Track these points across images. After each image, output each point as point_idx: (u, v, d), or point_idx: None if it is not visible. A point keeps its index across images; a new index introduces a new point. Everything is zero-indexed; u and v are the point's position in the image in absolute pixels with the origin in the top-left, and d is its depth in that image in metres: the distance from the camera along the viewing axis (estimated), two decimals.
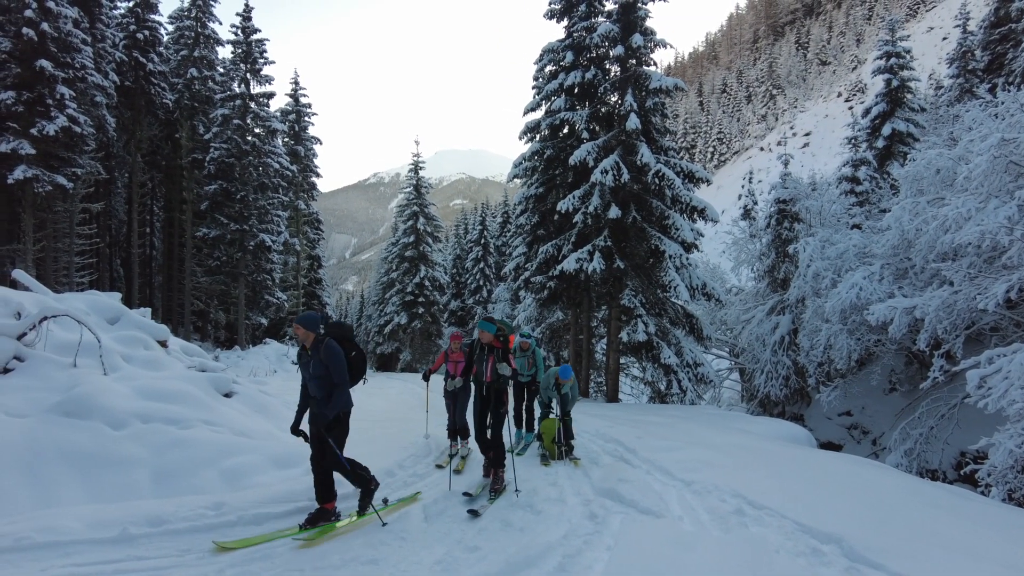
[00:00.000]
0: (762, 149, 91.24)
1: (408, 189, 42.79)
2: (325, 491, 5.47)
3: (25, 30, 21.88)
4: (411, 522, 5.53)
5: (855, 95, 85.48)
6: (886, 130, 22.07)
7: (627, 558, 4.59)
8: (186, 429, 7.02)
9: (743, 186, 58.28)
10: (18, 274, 9.14)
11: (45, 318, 7.62)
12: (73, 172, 23.48)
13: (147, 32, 30.14)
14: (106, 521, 4.66)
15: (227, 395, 8.79)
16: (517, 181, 21.55)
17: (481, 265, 46.82)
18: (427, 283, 41.28)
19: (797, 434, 12.80)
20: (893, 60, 22.42)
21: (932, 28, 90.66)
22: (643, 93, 17.95)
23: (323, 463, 5.41)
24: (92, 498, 5.71)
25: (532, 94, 20.42)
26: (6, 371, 6.97)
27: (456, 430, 8.33)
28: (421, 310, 41.26)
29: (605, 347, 19.31)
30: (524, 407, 9.58)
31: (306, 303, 36.39)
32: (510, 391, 8.62)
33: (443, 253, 49.00)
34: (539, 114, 20.11)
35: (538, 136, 20.02)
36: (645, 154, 16.68)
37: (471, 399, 7.83)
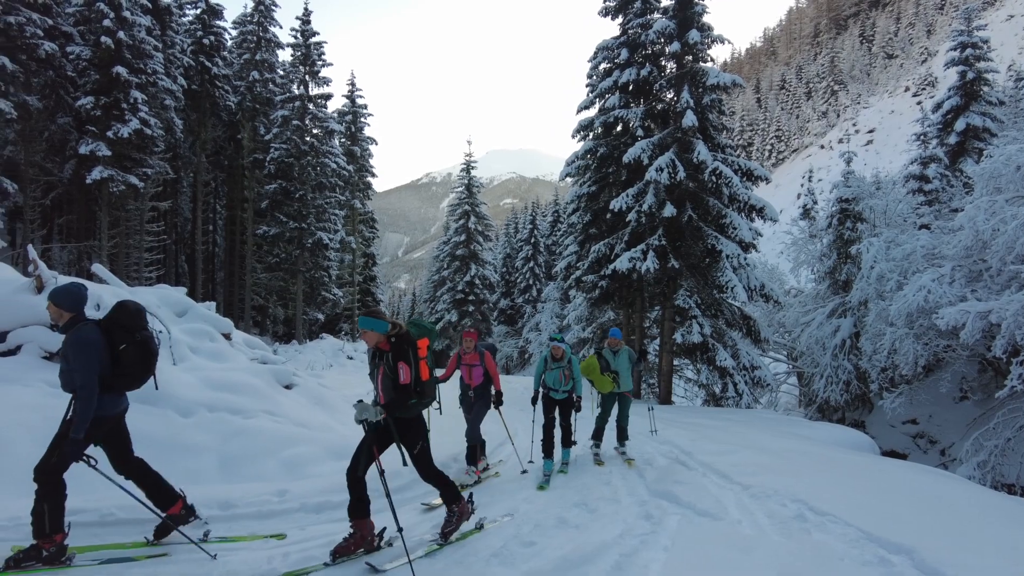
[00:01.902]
0: (822, 147, 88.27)
1: (460, 188, 43.20)
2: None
3: (103, 39, 23.08)
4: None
5: (924, 89, 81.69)
6: (959, 125, 21.02)
7: (685, 559, 4.52)
8: (249, 419, 7.28)
9: (802, 185, 56.56)
10: (97, 268, 9.64)
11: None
12: (144, 172, 24.63)
13: (212, 37, 31.35)
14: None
15: (287, 387, 9.07)
16: (569, 180, 21.51)
17: (531, 264, 46.86)
18: (477, 281, 41.60)
19: (859, 441, 12.35)
20: (969, 51, 21.32)
21: (1012, 16, 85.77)
22: (700, 90, 17.63)
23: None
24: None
25: (585, 92, 20.33)
26: None
27: (471, 446, 7.29)
28: (471, 308, 41.61)
29: (658, 348, 19.05)
30: (559, 425, 7.78)
31: (361, 300, 37.18)
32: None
33: (493, 252, 49.25)
34: (592, 112, 20.00)
35: (591, 134, 19.90)
36: (702, 151, 16.37)
37: (486, 410, 7.35)
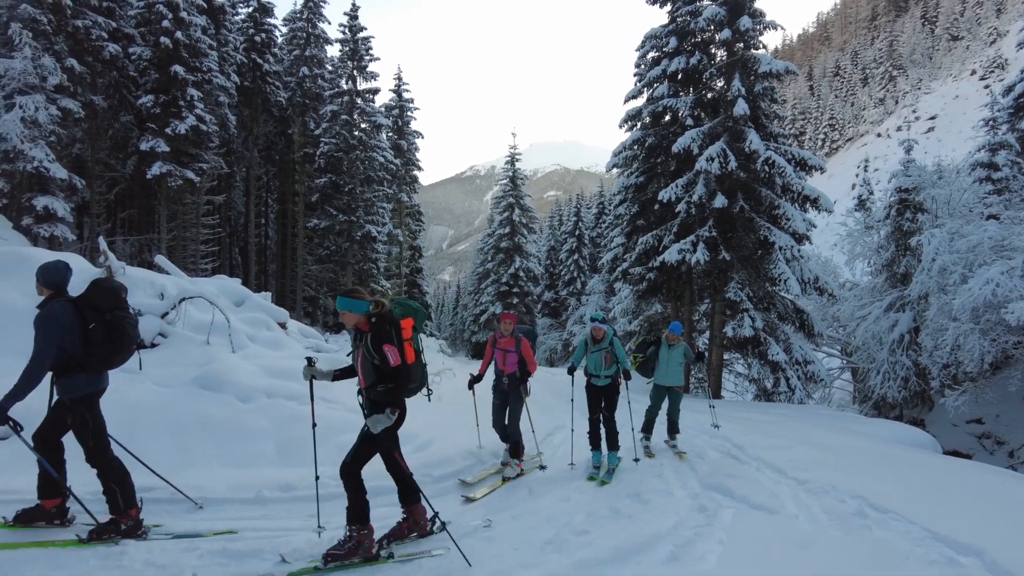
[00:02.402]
0: (879, 135, 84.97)
1: (504, 181, 43.29)
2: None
3: (162, 39, 23.91)
4: (521, 503, 5.65)
5: (993, 72, 77.59)
6: None
7: (741, 551, 4.46)
8: (305, 405, 7.46)
9: (857, 175, 54.65)
10: (160, 260, 10.03)
11: (183, 299, 8.33)
12: (200, 167, 25.46)
13: (264, 35, 32.11)
14: (244, 484, 5.08)
15: None
16: (615, 170, 21.28)
17: (575, 256, 46.64)
18: (521, 274, 41.68)
19: (919, 438, 11.92)
20: None
21: None
22: (751, 78, 17.20)
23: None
24: (225, 463, 6.22)
25: (633, 82, 20.06)
26: (153, 346, 7.69)
27: (504, 438, 6.92)
28: (515, 300, 41.72)
29: (708, 342, 18.74)
30: (602, 419, 7.23)
31: (408, 291, 37.68)
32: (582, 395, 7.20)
33: (537, 244, 49.19)
34: (640, 102, 19.72)
35: (639, 124, 19.64)
36: (754, 141, 15.98)
37: (522, 401, 6.89)
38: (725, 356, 18.58)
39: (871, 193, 34.58)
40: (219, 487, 5.09)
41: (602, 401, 7.18)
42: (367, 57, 30.03)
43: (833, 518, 5.34)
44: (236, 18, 31.92)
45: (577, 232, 47.01)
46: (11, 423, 3.92)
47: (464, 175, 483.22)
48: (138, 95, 24.57)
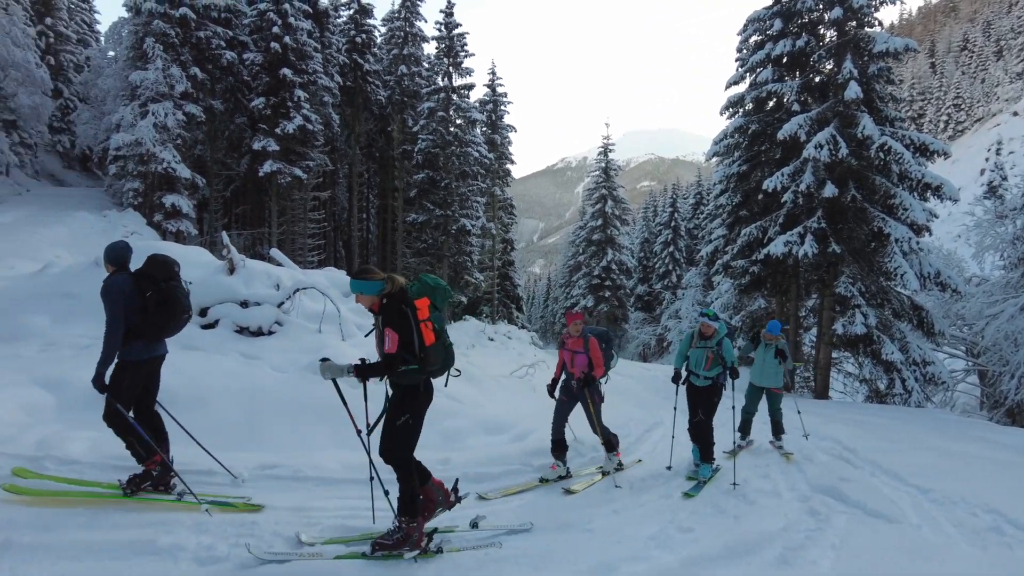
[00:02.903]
0: (1015, 114, 77.07)
1: (596, 172, 42.83)
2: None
3: (272, 44, 25.39)
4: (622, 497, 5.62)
5: None
6: None
7: (858, 560, 4.23)
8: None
9: (987, 159, 49.95)
10: (274, 252, 10.68)
11: (298, 290, 8.84)
12: (306, 165, 26.88)
13: (364, 35, 33.39)
14: (357, 465, 5.33)
15: None
16: (715, 159, 20.56)
17: (671, 249, 45.50)
18: (614, 266, 41.15)
19: None
20: None
21: None
22: (864, 58, 16.09)
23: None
24: (337, 445, 6.54)
25: (735, 67, 19.29)
26: (270, 333, 8.22)
27: (557, 444, 6.35)
28: (607, 294, 41.27)
29: (815, 339, 17.80)
30: (699, 423, 6.60)
31: (500, 284, 38.16)
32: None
33: (630, 236, 48.35)
34: (742, 87, 18.92)
35: (741, 111, 18.85)
36: (867, 126, 14.96)
37: (598, 404, 6.35)
38: (834, 355, 17.58)
39: (1004, 179, 31.52)
40: (335, 466, 5.40)
41: (702, 399, 6.62)
42: (462, 53, 30.52)
43: (965, 532, 4.94)
44: (338, 21, 33.35)
45: (673, 223, 45.82)
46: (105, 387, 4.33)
47: (555, 167, 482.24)
48: (251, 98, 26.22)
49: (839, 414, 12.22)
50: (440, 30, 30.98)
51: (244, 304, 8.31)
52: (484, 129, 35.31)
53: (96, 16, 43.64)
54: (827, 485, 6.13)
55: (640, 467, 6.92)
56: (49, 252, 14.46)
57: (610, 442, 6.44)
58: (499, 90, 37.31)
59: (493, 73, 37.29)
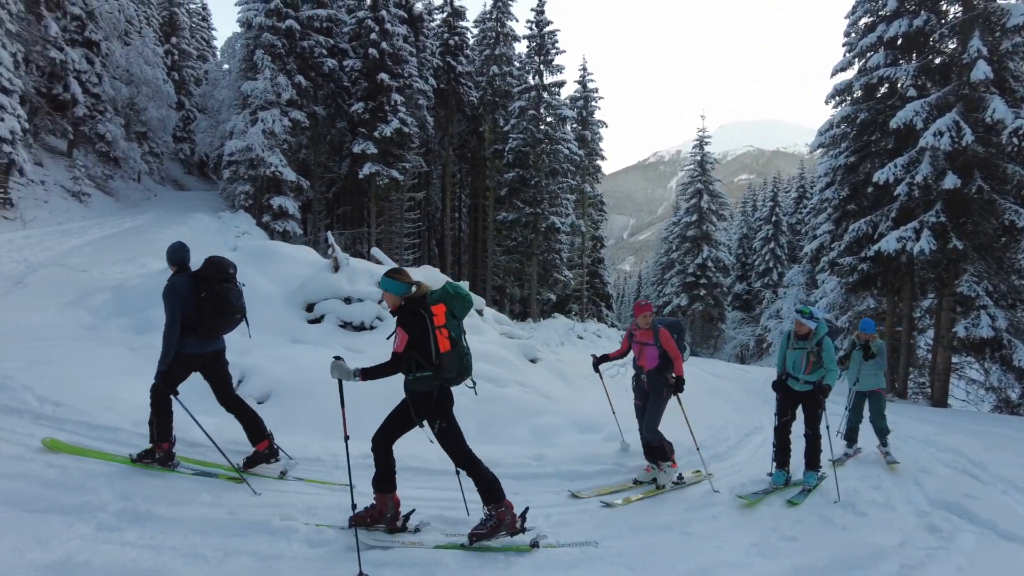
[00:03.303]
0: None
1: (691, 166, 41.66)
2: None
3: (371, 51, 26.40)
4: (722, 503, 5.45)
5: None
6: None
7: None
8: (502, 387, 7.86)
9: None
10: (375, 252, 11.13)
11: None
12: (403, 166, 27.78)
13: (457, 38, 34.08)
14: None
15: (533, 361, 9.62)
16: (819, 151, 19.47)
17: (771, 245, 43.50)
18: (710, 264, 39.90)
19: None
20: None
21: None
22: (996, 34, 14.70)
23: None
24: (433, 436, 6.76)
25: (841, 52, 18.17)
26: (371, 328, 8.58)
27: (647, 446, 6.00)
28: (703, 292, 40.06)
29: (931, 342, 16.50)
30: (804, 433, 6.09)
31: (589, 282, 37.92)
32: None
33: (727, 232, 46.64)
34: (850, 74, 17.79)
35: (849, 99, 17.74)
36: (998, 109, 13.66)
37: (664, 401, 5.91)
38: (954, 359, 16.22)
39: None
40: (432, 457, 5.55)
41: (797, 407, 6.07)
42: (553, 51, 30.52)
43: None
44: (432, 24, 34.22)
45: (773, 218, 43.79)
46: (174, 393, 4.78)
47: (647, 162, 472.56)
48: (350, 103, 27.40)
49: (960, 423, 11.25)
50: (531, 28, 31.12)
51: (347, 300, 8.72)
52: (574, 126, 35.18)
53: (213, 33, 47.05)
54: (949, 501, 5.66)
55: (740, 473, 6.66)
56: None
57: (659, 449, 5.81)
58: (590, 86, 37.04)
59: (584, 69, 37.06)
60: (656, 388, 5.84)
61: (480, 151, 34.81)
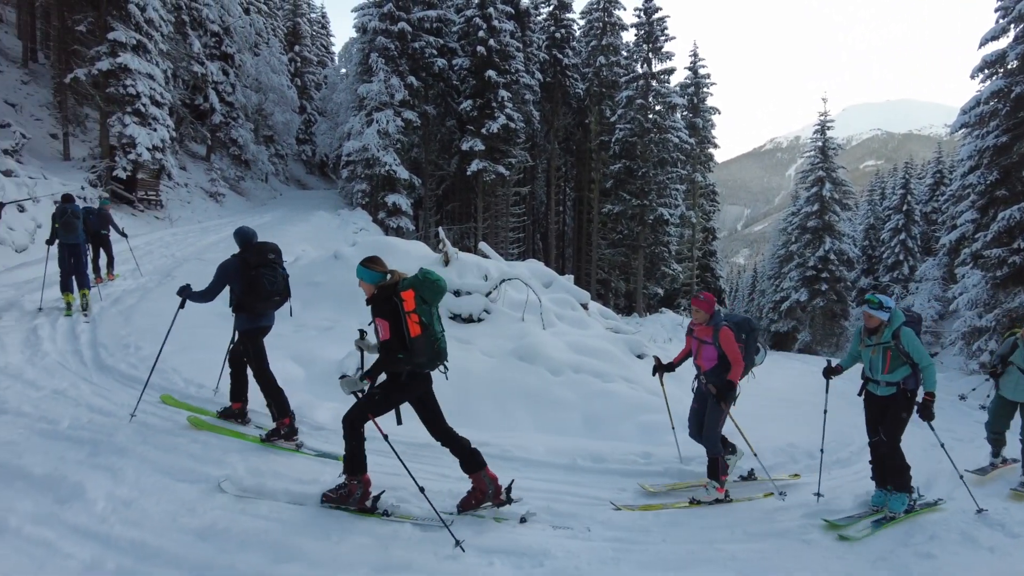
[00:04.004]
0: None
1: (811, 152, 39.10)
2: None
3: (478, 48, 26.90)
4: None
5: None
6: None
7: None
8: (608, 383, 7.77)
9: None
10: (483, 246, 11.34)
11: (503, 280, 9.30)
12: (509, 162, 28.13)
13: (563, 31, 34.00)
14: (559, 450, 5.50)
15: (639, 356, 9.44)
16: (961, 132, 17.69)
17: (902, 236, 40.00)
18: (832, 256, 37.31)
19: None
20: None
21: None
22: None
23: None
24: (538, 428, 6.80)
25: (994, 18, 16.35)
26: (479, 320, 8.75)
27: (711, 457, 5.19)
28: (824, 287, 37.53)
29: None
30: (879, 444, 5.01)
31: (700, 275, 36.69)
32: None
33: (852, 223, 43.37)
34: (1003, 42, 16.03)
35: (1001, 71, 15.98)
36: None
37: (723, 410, 5.17)
38: None
39: None
40: (539, 449, 5.60)
41: (882, 417, 4.98)
42: (662, 38, 29.74)
43: None
44: (538, 18, 34.33)
45: (905, 207, 40.22)
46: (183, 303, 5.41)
47: (763, 149, 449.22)
48: (459, 101, 28.07)
49: None
50: (639, 16, 30.47)
51: (457, 293, 8.95)
52: (685, 114, 34.11)
53: (331, 39, 49.76)
54: None
55: (865, 481, 6.09)
56: (298, 247, 16.81)
57: (715, 463, 5.11)
58: (701, 72, 35.73)
59: (695, 55, 35.80)
60: (716, 392, 5.15)
61: (585, 143, 34.58)
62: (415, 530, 3.89)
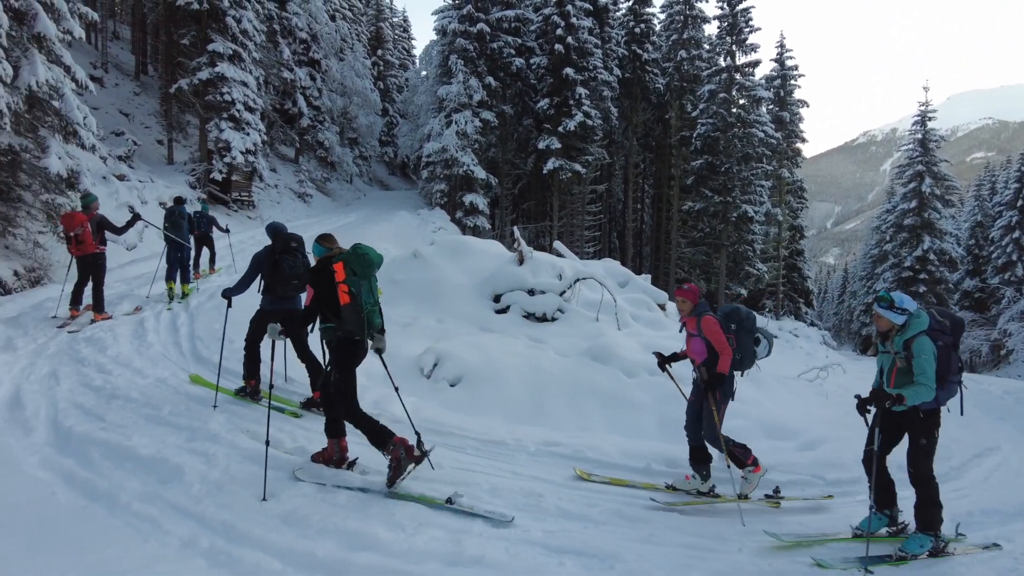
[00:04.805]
0: None
1: (909, 145, 36.74)
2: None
3: (556, 46, 26.83)
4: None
5: None
6: None
7: None
8: (687, 385, 7.58)
9: None
10: (557, 245, 11.34)
11: (577, 280, 9.26)
12: (585, 160, 27.92)
13: (643, 25, 33.44)
14: (633, 453, 5.43)
15: None
16: None
17: (1015, 234, 36.85)
18: (932, 256, 34.91)
19: None
20: None
21: None
22: None
23: None
24: (611, 430, 6.72)
25: None
26: (553, 319, 8.76)
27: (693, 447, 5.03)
28: (922, 288, 35.13)
29: None
30: (911, 475, 4.19)
31: (786, 276, 35.20)
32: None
33: (956, 220, 40.39)
34: None
35: None
36: None
37: (719, 405, 4.89)
38: None
39: None
40: (612, 451, 5.55)
41: (899, 437, 4.26)
42: (746, 29, 28.68)
43: None
44: (618, 14, 33.90)
45: (1019, 203, 37.10)
46: (229, 303, 5.92)
47: (855, 143, 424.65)
48: (536, 100, 28.10)
49: None
50: (722, 8, 29.53)
51: (531, 292, 8.99)
52: (770, 107, 32.80)
53: (412, 43, 51.02)
54: None
55: (967, 499, 5.66)
56: (379, 246, 17.30)
57: (734, 454, 4.86)
58: (788, 63, 34.26)
59: (781, 46, 34.35)
60: (711, 388, 4.86)
61: (665, 139, 33.88)
62: (486, 526, 3.94)
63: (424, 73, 36.17)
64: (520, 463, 5.25)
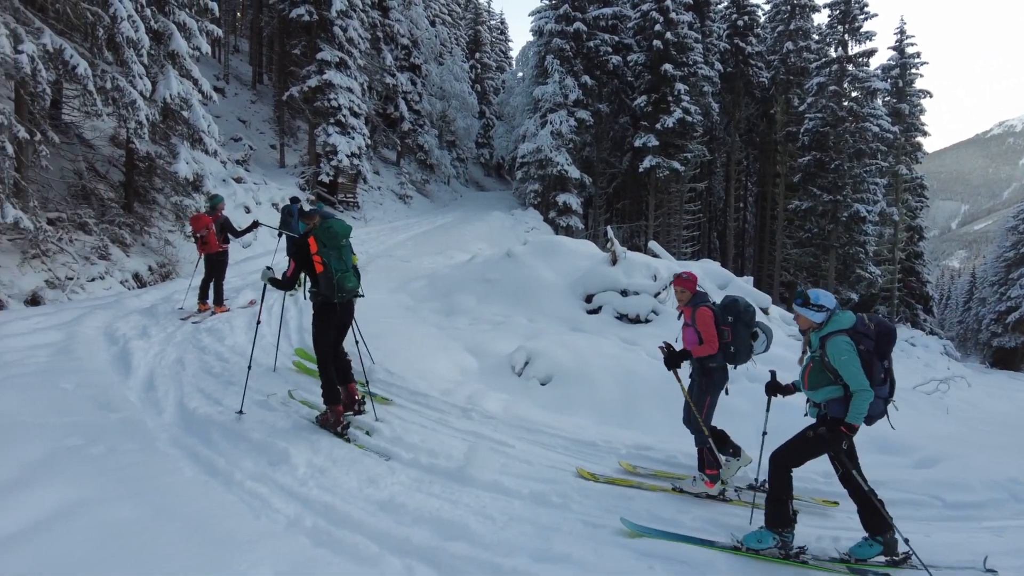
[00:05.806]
0: None
1: None
2: None
3: (654, 42, 26.33)
4: None
5: None
6: None
7: None
8: (790, 395, 7.25)
9: None
10: (652, 245, 11.13)
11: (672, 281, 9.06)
12: (684, 157, 27.21)
13: (746, 18, 32.18)
14: None
15: None
16: None
17: None
18: None
19: None
20: None
21: None
22: None
23: None
24: None
25: None
26: (646, 321, 8.61)
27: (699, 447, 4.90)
28: None
29: None
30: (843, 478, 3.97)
31: (902, 280, 32.72)
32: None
33: None
34: None
35: None
36: None
37: (704, 394, 4.79)
38: None
39: None
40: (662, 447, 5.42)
41: (816, 447, 3.87)
42: (860, 16, 26.92)
43: None
44: (719, 7, 32.81)
45: None
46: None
47: (987, 135, 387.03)
48: (633, 97, 27.70)
49: None
50: None
51: (624, 293, 8.88)
52: (887, 99, 30.61)
53: (510, 44, 51.65)
54: None
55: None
56: (474, 245, 17.73)
57: (704, 455, 4.74)
58: (908, 51, 31.81)
59: (901, 32, 31.95)
60: (701, 377, 4.79)
61: (770, 135, 32.43)
62: (577, 523, 3.95)
63: (520, 74, 36.53)
64: (610, 464, 5.22)
